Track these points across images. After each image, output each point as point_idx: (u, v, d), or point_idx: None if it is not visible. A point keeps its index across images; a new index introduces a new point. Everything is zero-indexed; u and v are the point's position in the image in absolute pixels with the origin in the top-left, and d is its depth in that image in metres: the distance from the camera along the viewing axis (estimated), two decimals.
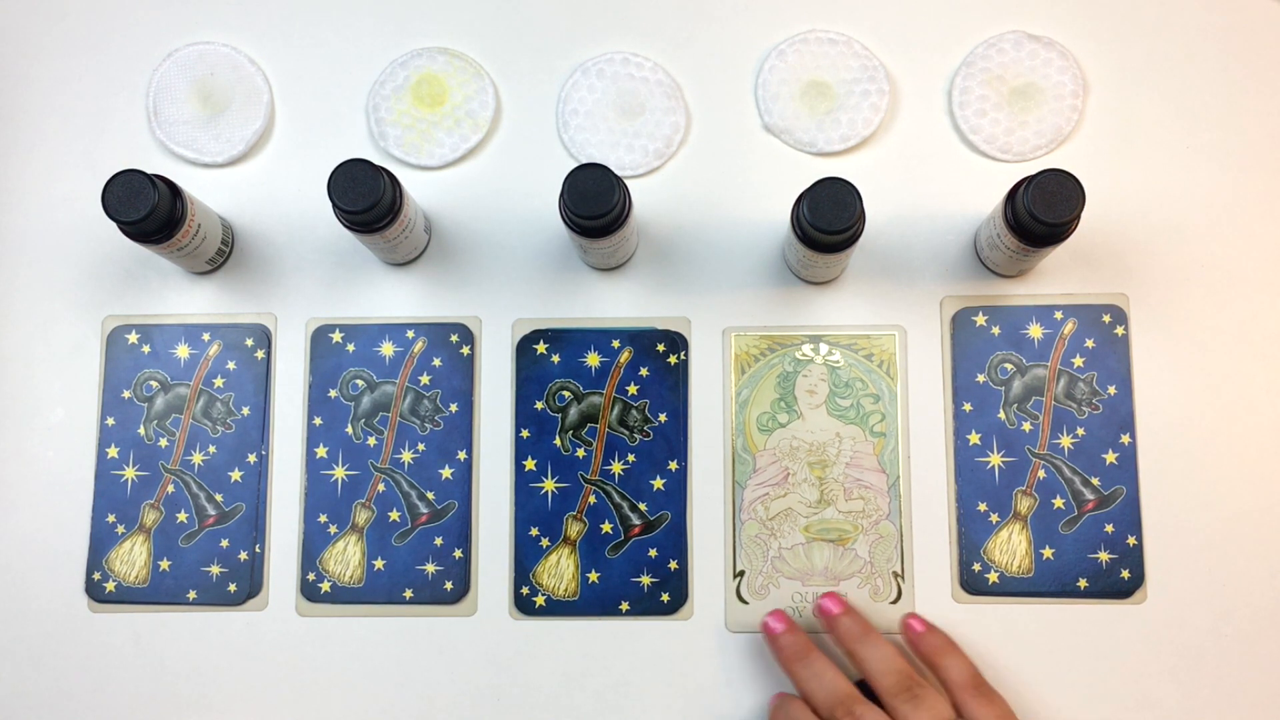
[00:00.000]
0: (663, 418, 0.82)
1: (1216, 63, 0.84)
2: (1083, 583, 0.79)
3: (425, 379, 0.82)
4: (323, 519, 0.81)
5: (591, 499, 0.81)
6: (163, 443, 0.82)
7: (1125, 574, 0.79)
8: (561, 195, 0.73)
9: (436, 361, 0.83)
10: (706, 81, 0.85)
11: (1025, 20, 0.84)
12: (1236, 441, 0.80)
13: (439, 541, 0.81)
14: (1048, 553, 0.80)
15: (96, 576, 0.81)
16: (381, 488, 0.82)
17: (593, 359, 0.82)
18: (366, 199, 0.73)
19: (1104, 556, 0.79)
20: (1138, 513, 0.80)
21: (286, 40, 0.86)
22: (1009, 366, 0.81)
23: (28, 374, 0.83)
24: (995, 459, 0.81)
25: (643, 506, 0.81)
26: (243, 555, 0.81)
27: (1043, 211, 0.72)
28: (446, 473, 0.82)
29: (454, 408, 0.82)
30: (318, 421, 0.82)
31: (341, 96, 0.85)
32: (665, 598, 0.80)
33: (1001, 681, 0.78)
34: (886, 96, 0.83)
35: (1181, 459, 0.80)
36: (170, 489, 0.82)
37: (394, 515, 0.81)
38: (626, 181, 0.81)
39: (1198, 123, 0.83)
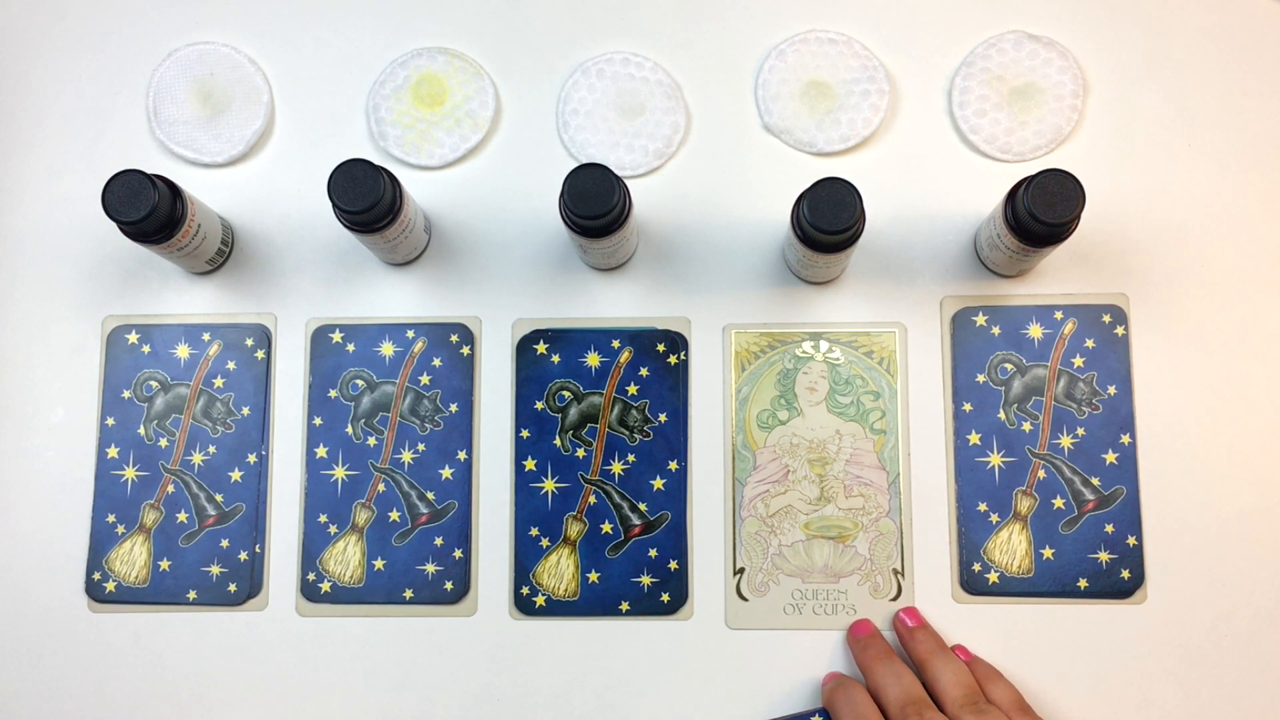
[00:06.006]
0: (663, 418, 0.82)
1: (1216, 63, 0.84)
2: (1083, 583, 0.79)
3: (425, 379, 0.82)
4: (323, 519, 0.81)
5: (591, 499, 0.81)
6: (163, 443, 0.82)
7: (1125, 574, 0.79)
8: (561, 195, 0.73)
9: (436, 361, 0.83)
10: (706, 81, 0.85)
11: (1025, 20, 0.84)
12: (1236, 441, 0.80)
13: (439, 541, 0.81)
14: (1048, 553, 0.80)
15: (96, 576, 0.81)
16: (381, 488, 0.82)
17: (593, 359, 0.82)
18: (366, 199, 0.73)
19: (1104, 556, 0.79)
20: (1138, 513, 0.80)
21: (286, 40, 0.86)
22: (1009, 366, 0.81)
23: (28, 374, 0.83)
24: (995, 459, 0.81)
25: (643, 506, 0.81)
26: (243, 555, 0.81)
27: (1043, 211, 0.72)
28: (446, 473, 0.82)
29: (454, 408, 0.82)
30: (318, 421, 0.82)
31: (341, 96, 0.85)
32: (665, 598, 0.80)
33: None
34: (886, 96, 0.83)
35: (1181, 459, 0.80)
36: (170, 489, 0.82)
37: (394, 515, 0.81)
38: (626, 181, 0.81)
39: (1198, 123, 0.83)
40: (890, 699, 0.73)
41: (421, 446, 0.82)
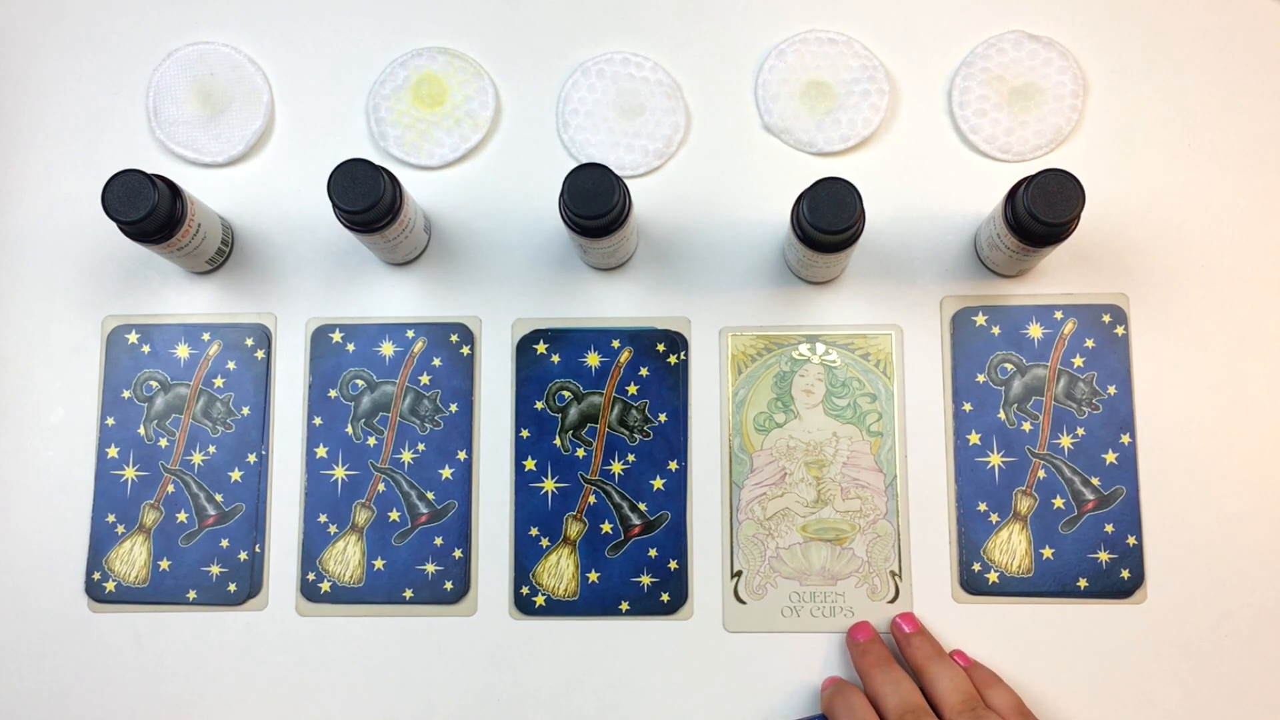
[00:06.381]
0: (663, 418, 0.82)
1: (1216, 63, 0.84)
2: (1083, 583, 0.79)
3: (425, 379, 0.82)
4: (323, 519, 0.81)
5: (591, 499, 0.81)
6: (163, 443, 0.82)
7: (1125, 574, 0.79)
8: (561, 195, 0.73)
9: (436, 361, 0.83)
10: (706, 81, 0.85)
11: (1025, 20, 0.84)
12: (1236, 441, 0.80)
13: (439, 541, 0.81)
14: (1048, 553, 0.80)
15: (96, 576, 0.81)
16: (381, 488, 0.82)
17: (593, 359, 0.82)
18: (366, 199, 0.73)
19: (1104, 556, 0.79)
20: (1138, 513, 0.80)
21: (286, 40, 0.86)
22: (1009, 366, 0.81)
23: (28, 374, 0.83)
24: (995, 459, 0.80)
25: (643, 506, 0.81)
26: (243, 555, 0.81)
27: (1043, 211, 0.72)
28: (446, 473, 0.82)
29: (454, 408, 0.82)
30: (318, 421, 0.82)
31: (341, 96, 0.85)
32: (665, 598, 0.80)
33: None
34: (886, 96, 0.83)
35: (1181, 459, 0.80)
36: (170, 489, 0.82)
37: (394, 515, 0.81)
38: (626, 181, 0.81)
39: (1198, 123, 0.83)
40: (889, 707, 0.73)
41: (421, 446, 0.82)
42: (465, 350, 0.83)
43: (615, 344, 0.82)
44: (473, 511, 0.81)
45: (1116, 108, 0.84)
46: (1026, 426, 0.81)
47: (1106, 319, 0.81)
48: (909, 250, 0.83)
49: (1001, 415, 0.81)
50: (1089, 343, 0.81)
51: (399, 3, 0.86)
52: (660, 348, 0.82)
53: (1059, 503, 0.80)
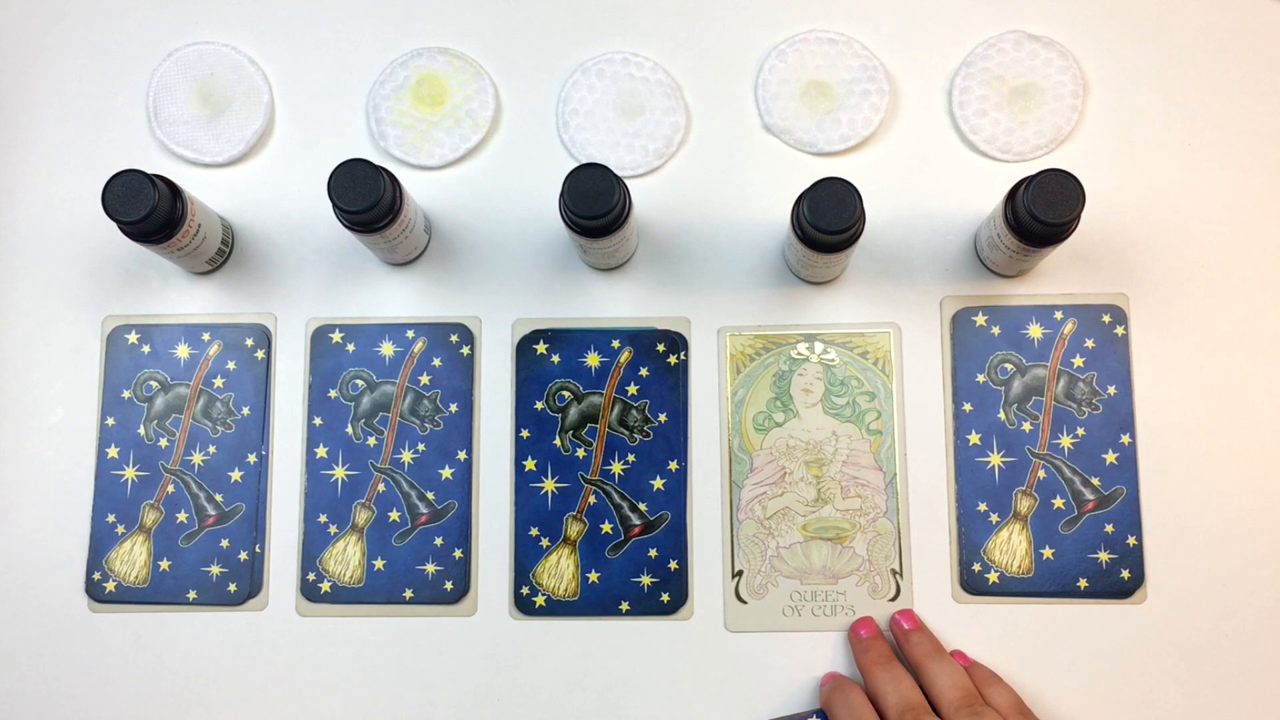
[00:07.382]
0: (663, 418, 0.82)
1: (1216, 63, 0.84)
2: (1083, 583, 0.79)
3: (425, 379, 0.82)
4: (323, 519, 0.81)
5: (591, 499, 0.81)
6: (163, 443, 0.82)
7: (1125, 574, 0.79)
8: (561, 195, 0.73)
9: (436, 361, 0.83)
10: (706, 81, 0.85)
11: (1025, 20, 0.84)
12: (1236, 441, 0.80)
13: (439, 541, 0.81)
14: (1048, 553, 0.80)
15: (96, 576, 0.81)
16: (381, 488, 0.82)
17: (593, 359, 0.82)
18: (366, 199, 0.73)
19: (1104, 556, 0.79)
20: (1138, 513, 0.80)
21: (286, 40, 0.86)
22: (1009, 366, 0.81)
23: (28, 374, 0.83)
24: (995, 459, 0.80)
25: (643, 506, 0.81)
26: (243, 555, 0.81)
27: (1043, 211, 0.72)
28: (446, 473, 0.82)
29: (454, 408, 0.82)
30: (318, 421, 0.82)
31: (341, 96, 0.85)
32: (665, 598, 0.80)
33: None
34: (886, 96, 0.83)
35: (1181, 459, 0.80)
36: (170, 489, 0.82)
37: (394, 515, 0.81)
38: (626, 181, 0.81)
39: (1198, 123, 0.83)
40: (889, 705, 0.73)
41: (421, 446, 0.82)
42: (465, 350, 0.83)
43: (615, 344, 0.82)
44: (473, 511, 0.81)
45: (1116, 108, 0.84)
46: (1026, 426, 0.81)
47: (1106, 319, 0.81)
48: (909, 250, 0.83)
49: (1001, 415, 0.81)
50: (1089, 343, 0.81)
51: (399, 3, 0.86)
52: (660, 348, 0.82)
53: (1059, 503, 0.80)
